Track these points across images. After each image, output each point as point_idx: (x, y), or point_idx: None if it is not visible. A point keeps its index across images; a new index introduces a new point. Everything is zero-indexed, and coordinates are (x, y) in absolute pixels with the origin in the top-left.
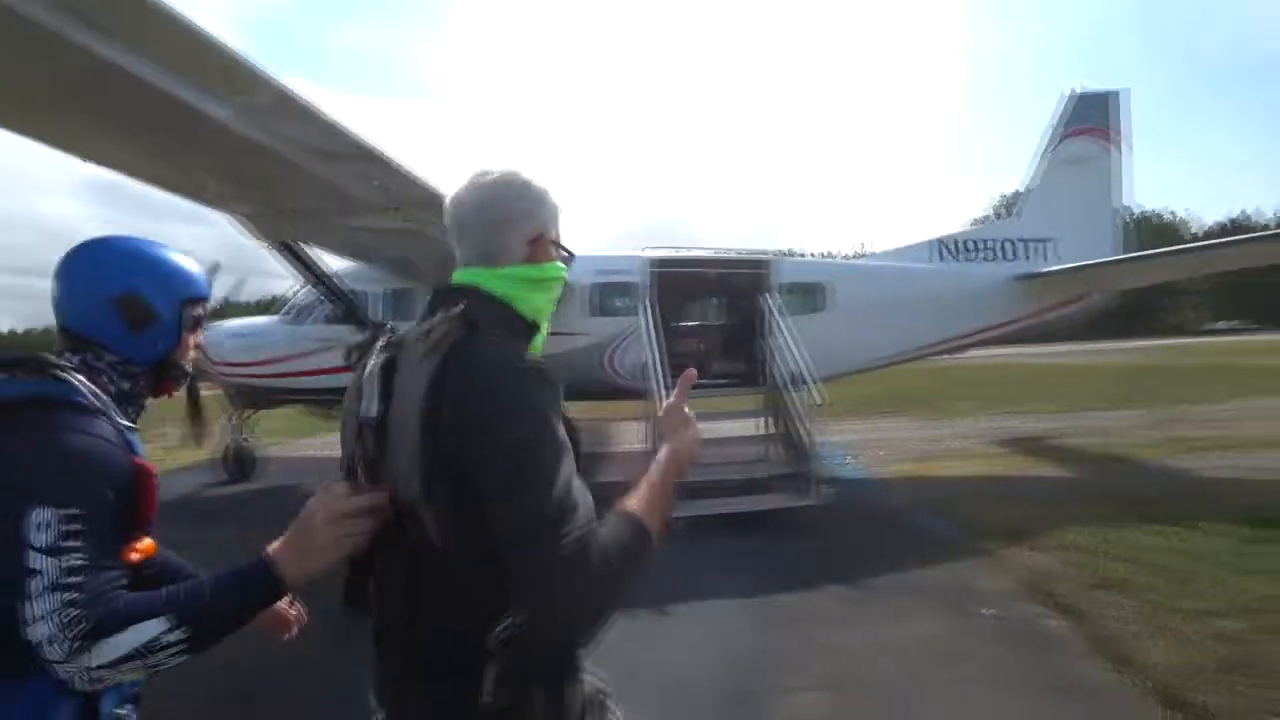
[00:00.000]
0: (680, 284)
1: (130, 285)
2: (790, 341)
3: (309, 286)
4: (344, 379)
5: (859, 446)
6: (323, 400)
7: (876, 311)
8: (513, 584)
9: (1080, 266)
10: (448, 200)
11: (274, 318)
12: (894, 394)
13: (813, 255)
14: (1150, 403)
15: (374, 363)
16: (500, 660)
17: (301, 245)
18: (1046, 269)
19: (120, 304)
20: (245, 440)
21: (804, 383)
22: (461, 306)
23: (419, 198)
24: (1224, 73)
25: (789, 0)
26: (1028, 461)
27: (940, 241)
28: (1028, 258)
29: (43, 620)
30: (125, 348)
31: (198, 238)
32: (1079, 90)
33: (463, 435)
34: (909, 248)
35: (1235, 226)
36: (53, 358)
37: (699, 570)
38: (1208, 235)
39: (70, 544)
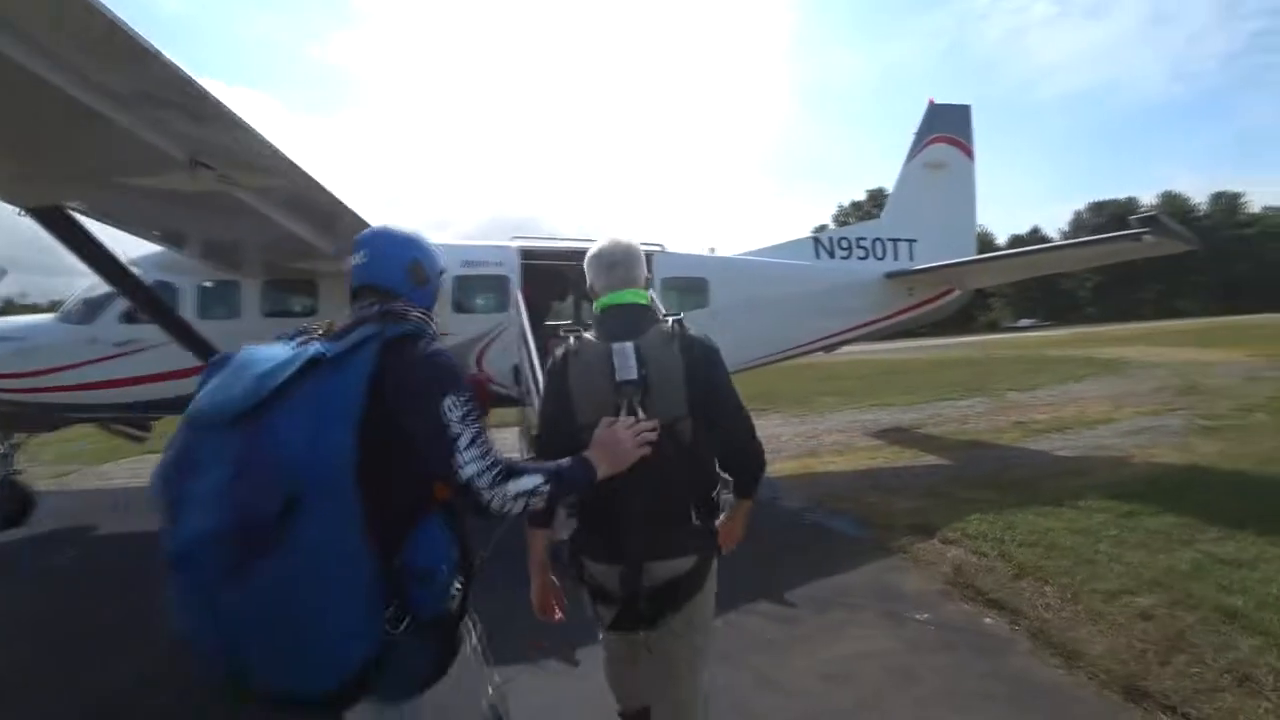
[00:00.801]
0: (555, 277)
1: (415, 256)
2: None
3: (102, 279)
4: (156, 390)
5: None
6: (126, 417)
7: (760, 308)
8: (733, 448)
9: (949, 264)
10: (595, 251)
11: (50, 316)
12: (762, 392)
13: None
14: (988, 391)
15: (622, 347)
16: (718, 499)
17: (73, 213)
18: (915, 266)
19: (410, 268)
20: (15, 474)
21: None
22: (678, 316)
23: (242, 152)
24: (1010, 110)
25: (653, 22)
26: (903, 452)
27: (816, 238)
28: (895, 256)
29: (473, 463)
30: (412, 298)
31: None
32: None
33: (704, 379)
34: (791, 243)
35: (1033, 238)
36: (410, 308)
37: None
38: (1010, 246)
39: (472, 417)
